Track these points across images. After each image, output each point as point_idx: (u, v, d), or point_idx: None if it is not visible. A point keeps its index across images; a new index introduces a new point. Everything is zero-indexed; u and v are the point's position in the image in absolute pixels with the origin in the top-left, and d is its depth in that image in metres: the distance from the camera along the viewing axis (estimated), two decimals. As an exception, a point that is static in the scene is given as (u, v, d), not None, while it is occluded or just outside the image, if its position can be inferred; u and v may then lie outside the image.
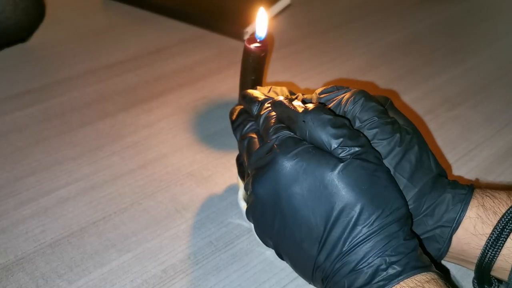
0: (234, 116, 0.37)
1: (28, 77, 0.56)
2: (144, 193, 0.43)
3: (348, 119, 0.32)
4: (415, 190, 0.32)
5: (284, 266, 0.37)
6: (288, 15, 0.72)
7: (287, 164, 0.29)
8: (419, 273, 0.27)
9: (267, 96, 0.36)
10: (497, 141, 0.51)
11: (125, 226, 0.40)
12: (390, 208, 0.29)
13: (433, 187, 0.33)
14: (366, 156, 0.29)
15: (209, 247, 0.38)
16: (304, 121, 0.30)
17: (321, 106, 0.31)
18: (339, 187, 0.28)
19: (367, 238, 0.28)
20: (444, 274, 0.35)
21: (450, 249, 0.33)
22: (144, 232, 0.39)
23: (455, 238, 0.33)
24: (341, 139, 0.29)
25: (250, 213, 0.32)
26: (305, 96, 0.37)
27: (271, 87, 0.38)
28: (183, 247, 0.38)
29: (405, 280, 0.27)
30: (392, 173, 0.32)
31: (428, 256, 0.31)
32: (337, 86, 0.36)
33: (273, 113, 0.34)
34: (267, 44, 0.42)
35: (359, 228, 0.28)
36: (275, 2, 0.71)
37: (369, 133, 0.32)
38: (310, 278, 0.31)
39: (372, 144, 0.32)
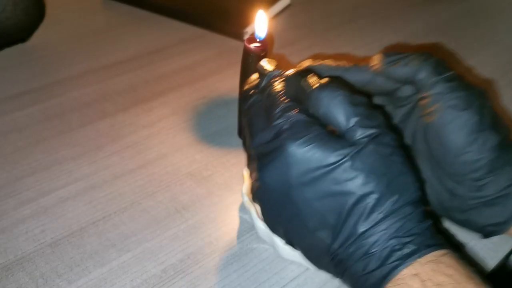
0: (246, 87, 0.34)
1: (28, 77, 0.56)
2: (144, 193, 0.43)
3: (367, 97, 0.30)
4: (498, 139, 0.32)
5: (284, 266, 0.37)
6: (288, 15, 0.72)
7: (297, 151, 0.27)
8: (433, 251, 0.27)
9: (277, 69, 0.34)
10: (497, 141, 0.51)
11: (125, 226, 0.40)
12: (405, 192, 0.28)
13: (509, 143, 0.33)
14: (382, 139, 0.28)
15: (209, 247, 0.38)
16: (318, 97, 0.29)
17: (338, 81, 0.30)
18: (354, 174, 0.27)
19: (381, 222, 0.27)
20: (459, 249, 0.35)
21: None
22: (144, 232, 0.39)
23: None
24: (357, 118, 0.28)
25: (258, 198, 0.31)
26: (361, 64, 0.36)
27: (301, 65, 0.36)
28: (183, 247, 0.38)
29: (420, 258, 0.27)
30: (476, 122, 0.32)
31: (444, 236, 0.31)
32: (398, 52, 0.35)
33: (279, 89, 0.31)
34: (267, 44, 0.42)
35: (374, 214, 0.27)
36: (275, 2, 0.71)
37: (445, 86, 0.32)
38: (322, 265, 0.30)
39: (452, 95, 0.32)
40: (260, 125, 0.30)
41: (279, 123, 0.29)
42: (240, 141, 0.48)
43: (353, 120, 0.28)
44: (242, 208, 0.42)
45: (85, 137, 0.48)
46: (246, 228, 0.40)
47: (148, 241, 0.39)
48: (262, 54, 0.42)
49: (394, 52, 0.35)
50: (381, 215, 0.27)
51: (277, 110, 0.29)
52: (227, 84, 0.57)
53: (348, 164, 0.27)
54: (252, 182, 0.31)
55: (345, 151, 0.27)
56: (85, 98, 0.53)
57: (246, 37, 0.64)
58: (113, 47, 0.62)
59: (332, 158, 0.27)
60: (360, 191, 0.27)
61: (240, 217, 0.41)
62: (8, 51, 0.60)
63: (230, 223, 0.40)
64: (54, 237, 0.39)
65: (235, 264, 0.37)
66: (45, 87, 0.54)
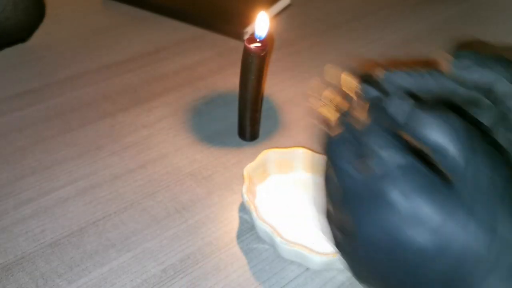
0: (331, 108, 0.30)
1: (28, 77, 0.56)
2: (144, 193, 0.43)
3: (471, 121, 0.27)
4: None
5: (284, 266, 0.37)
6: (288, 15, 0.72)
7: (405, 203, 0.23)
8: None
9: (370, 88, 0.29)
10: (497, 141, 0.51)
11: (125, 226, 0.40)
12: None
13: None
14: (502, 182, 0.24)
15: (209, 247, 0.39)
16: (431, 122, 0.25)
17: (442, 104, 0.26)
18: (471, 230, 0.23)
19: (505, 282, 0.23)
20: None
21: None
22: (144, 232, 0.39)
23: None
24: (473, 156, 0.24)
25: (349, 251, 0.27)
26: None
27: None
28: (183, 247, 0.38)
29: None
30: None
31: None
32: (472, 53, 0.30)
33: (373, 115, 0.27)
34: (267, 44, 0.42)
35: (495, 273, 0.23)
36: (275, 2, 0.71)
37: None
38: None
39: None
40: (351, 158, 0.26)
41: (379, 162, 0.25)
42: (240, 141, 0.49)
43: (469, 156, 0.24)
44: (242, 208, 0.42)
45: (85, 137, 0.48)
46: (246, 228, 0.40)
47: (148, 241, 0.39)
48: (262, 54, 0.42)
49: (467, 53, 0.31)
50: (504, 274, 0.23)
51: (376, 144, 0.25)
52: (227, 84, 0.57)
53: (463, 219, 0.23)
54: (336, 231, 0.27)
55: (460, 204, 0.24)
56: (85, 98, 0.53)
57: (246, 37, 0.64)
58: (113, 47, 0.62)
59: (445, 212, 0.23)
60: (475, 248, 0.23)
61: (240, 217, 0.41)
62: (8, 51, 0.60)
63: (230, 223, 0.40)
64: (54, 237, 0.39)
65: (235, 264, 0.37)
66: (45, 87, 0.54)
